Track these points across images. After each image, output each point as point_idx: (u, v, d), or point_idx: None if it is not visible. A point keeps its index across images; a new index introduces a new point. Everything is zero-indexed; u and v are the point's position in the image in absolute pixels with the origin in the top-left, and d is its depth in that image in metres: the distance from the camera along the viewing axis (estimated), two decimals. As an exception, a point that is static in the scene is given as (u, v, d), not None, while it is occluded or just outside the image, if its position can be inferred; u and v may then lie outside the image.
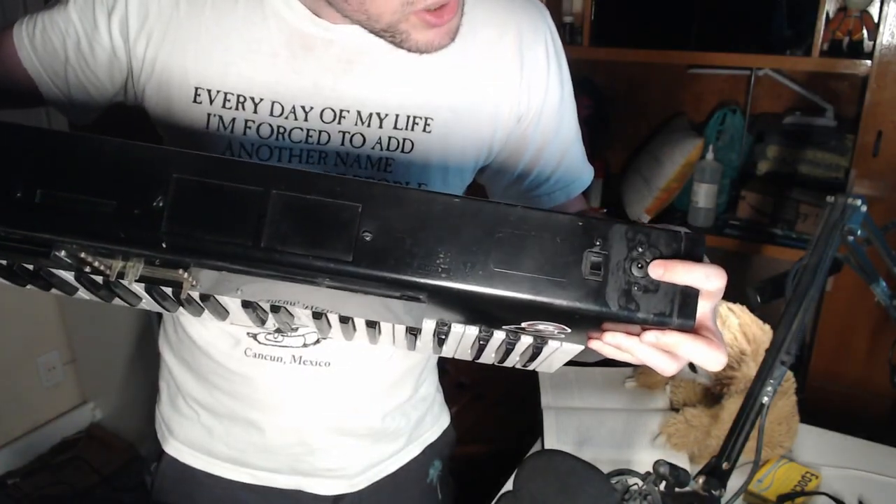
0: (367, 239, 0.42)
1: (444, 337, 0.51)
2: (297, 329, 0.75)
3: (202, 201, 0.42)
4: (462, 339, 0.52)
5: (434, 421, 0.96)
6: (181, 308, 0.53)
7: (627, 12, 2.05)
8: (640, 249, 0.43)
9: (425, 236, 0.42)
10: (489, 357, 0.56)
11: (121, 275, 0.44)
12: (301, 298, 0.50)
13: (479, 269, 0.42)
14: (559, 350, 0.52)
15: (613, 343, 0.48)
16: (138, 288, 0.48)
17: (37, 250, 0.43)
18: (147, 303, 0.53)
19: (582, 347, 0.51)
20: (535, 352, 0.52)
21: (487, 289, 0.42)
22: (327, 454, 0.85)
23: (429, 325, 0.50)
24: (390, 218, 0.42)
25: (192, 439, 0.87)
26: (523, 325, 0.47)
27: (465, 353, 0.57)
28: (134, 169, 0.42)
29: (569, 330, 0.47)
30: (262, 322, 0.56)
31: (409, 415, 0.89)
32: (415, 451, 0.93)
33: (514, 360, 0.56)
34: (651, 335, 0.46)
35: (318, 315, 0.52)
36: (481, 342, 0.51)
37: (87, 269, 0.44)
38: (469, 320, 0.49)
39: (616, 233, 0.43)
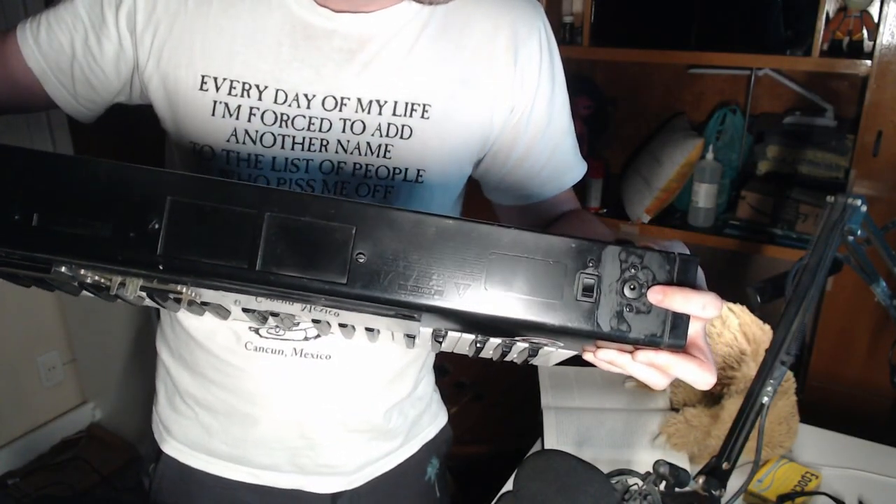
0: (361, 261, 0.42)
1: (441, 340, 0.52)
2: (298, 324, 0.75)
3: (197, 224, 0.42)
4: (459, 341, 0.52)
5: (432, 419, 0.96)
6: (183, 308, 0.53)
7: (627, 12, 2.05)
8: (632, 271, 0.44)
9: (419, 258, 0.43)
10: (487, 355, 0.57)
11: (122, 285, 0.44)
12: (298, 312, 0.50)
13: (472, 291, 0.43)
14: (555, 353, 0.52)
15: (606, 359, 0.49)
16: (141, 292, 0.48)
17: (38, 266, 0.43)
18: (150, 302, 0.53)
19: (577, 352, 0.52)
20: (531, 354, 0.52)
21: (480, 310, 0.43)
22: (327, 449, 0.85)
23: (426, 331, 0.50)
24: (384, 240, 0.43)
25: (190, 438, 0.87)
26: (517, 338, 0.48)
27: (464, 350, 0.58)
28: (129, 191, 0.42)
29: (561, 344, 0.47)
30: (264, 320, 0.56)
31: (406, 413, 0.90)
32: (412, 448, 0.93)
33: (512, 358, 0.57)
34: (644, 355, 0.46)
35: (317, 320, 0.53)
36: (478, 345, 0.52)
37: (89, 282, 0.45)
38: (465, 330, 0.49)
39: (609, 254, 0.44)
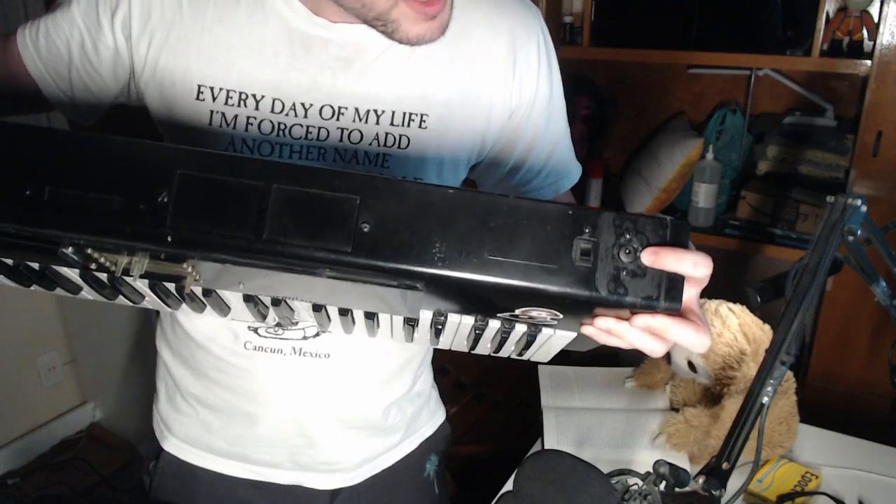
0: (366, 230, 0.43)
1: (440, 327, 0.52)
2: (297, 323, 0.76)
3: (205, 196, 0.43)
4: (458, 328, 0.52)
5: (430, 416, 0.97)
6: (183, 304, 0.53)
7: (627, 12, 2.05)
8: (627, 236, 0.45)
9: (422, 227, 0.43)
10: (485, 347, 0.57)
11: (126, 271, 0.44)
12: (301, 292, 0.50)
13: (474, 258, 0.43)
14: (553, 337, 0.53)
15: (604, 328, 0.49)
16: (142, 285, 0.48)
17: (44, 247, 0.43)
18: (150, 300, 0.53)
19: (574, 335, 0.52)
20: (530, 340, 0.52)
21: (482, 276, 0.43)
22: (326, 446, 0.85)
23: (426, 316, 0.50)
24: (388, 209, 0.43)
25: (191, 436, 0.87)
26: (517, 312, 0.48)
27: (462, 344, 0.58)
28: (139, 166, 0.43)
29: (561, 316, 0.48)
30: (263, 317, 0.56)
31: (405, 410, 0.90)
32: (411, 445, 0.94)
33: (509, 350, 0.57)
34: (641, 319, 0.47)
35: (317, 308, 0.53)
36: (477, 331, 0.52)
37: (94, 266, 0.45)
38: (465, 309, 0.50)
39: (604, 220, 0.45)
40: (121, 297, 0.52)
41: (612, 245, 0.44)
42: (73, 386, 2.40)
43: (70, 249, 0.43)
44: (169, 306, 0.55)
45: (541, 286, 0.44)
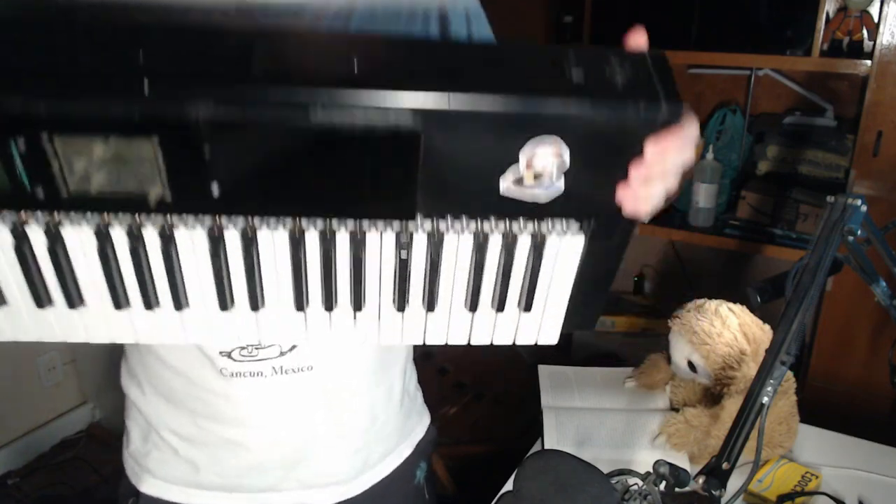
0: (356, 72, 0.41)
1: (434, 288, 0.51)
2: (271, 346, 0.73)
3: (185, 45, 0.40)
4: (457, 260, 0.51)
5: (419, 419, 0.95)
6: (131, 296, 0.51)
7: (627, 12, 2.05)
8: (612, 62, 0.46)
9: (422, 61, 0.43)
10: (488, 292, 0.53)
11: (84, 178, 0.41)
12: (278, 185, 0.46)
13: (479, 89, 0.43)
14: (560, 254, 0.51)
15: (643, 176, 0.49)
16: (90, 247, 0.45)
17: None
18: (94, 284, 0.50)
19: (583, 239, 0.51)
20: (536, 263, 0.51)
21: (489, 95, 0.42)
22: (321, 460, 0.83)
23: (420, 238, 0.49)
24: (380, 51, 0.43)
25: (175, 475, 0.83)
26: (521, 159, 0.46)
27: (460, 301, 0.54)
28: (105, 25, 0.41)
29: (568, 160, 0.46)
30: (232, 302, 0.52)
31: (395, 412, 0.89)
32: (406, 451, 0.92)
33: (514, 291, 0.54)
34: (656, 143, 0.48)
35: (299, 306, 0.51)
36: (475, 274, 0.51)
37: (43, 171, 0.40)
38: (465, 181, 0.48)
39: (586, 54, 0.46)
40: (55, 296, 0.49)
41: (603, 70, 0.45)
42: (73, 386, 2.40)
43: (21, 141, 0.39)
44: (116, 293, 0.52)
45: (551, 110, 0.44)
